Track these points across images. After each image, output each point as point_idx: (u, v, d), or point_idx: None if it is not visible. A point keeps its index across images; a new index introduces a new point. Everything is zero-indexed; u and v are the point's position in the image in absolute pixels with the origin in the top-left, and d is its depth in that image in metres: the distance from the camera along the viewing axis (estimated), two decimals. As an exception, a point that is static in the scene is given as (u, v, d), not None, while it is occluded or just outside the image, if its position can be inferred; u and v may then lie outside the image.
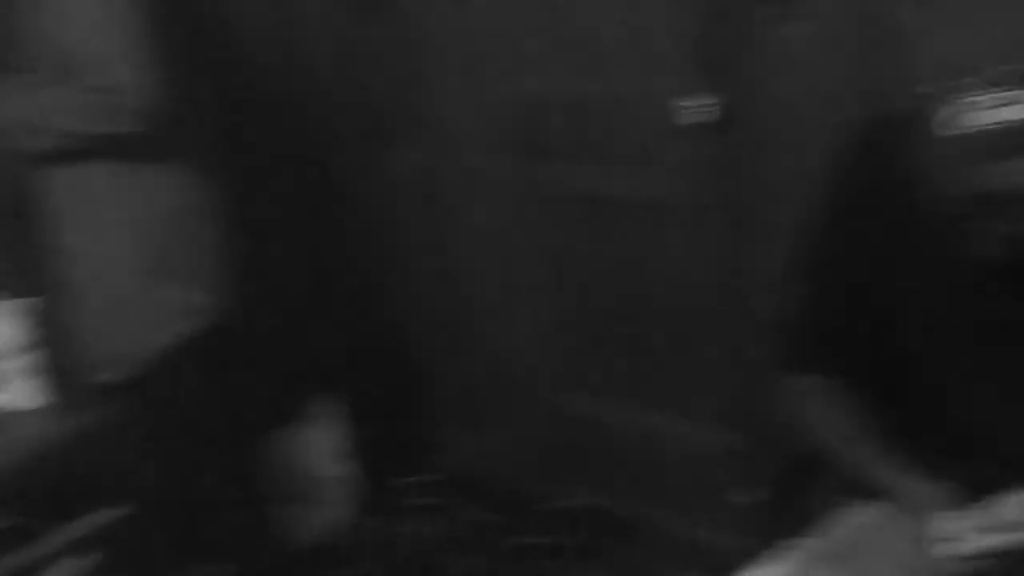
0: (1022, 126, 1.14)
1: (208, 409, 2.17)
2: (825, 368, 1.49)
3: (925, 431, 1.43)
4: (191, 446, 2.15)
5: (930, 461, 1.38)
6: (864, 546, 1.43)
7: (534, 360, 2.69)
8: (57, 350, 2.15)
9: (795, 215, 1.99)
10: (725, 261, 2.21)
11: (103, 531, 2.10)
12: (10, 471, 2.03)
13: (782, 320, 1.56)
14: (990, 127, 1.15)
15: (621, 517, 2.58)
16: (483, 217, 2.64)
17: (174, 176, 2.07)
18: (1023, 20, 1.18)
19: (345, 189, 2.81)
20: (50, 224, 2.05)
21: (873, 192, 1.42)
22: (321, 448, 2.75)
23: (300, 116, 2.70)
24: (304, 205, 2.74)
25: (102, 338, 2.08)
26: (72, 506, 2.10)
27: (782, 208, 2.05)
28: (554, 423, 2.70)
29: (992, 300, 1.36)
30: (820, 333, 1.50)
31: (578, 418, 2.65)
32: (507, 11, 2.40)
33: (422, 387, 2.93)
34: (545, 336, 2.65)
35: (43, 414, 2.15)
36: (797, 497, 1.57)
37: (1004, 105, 1.14)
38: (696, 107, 2.08)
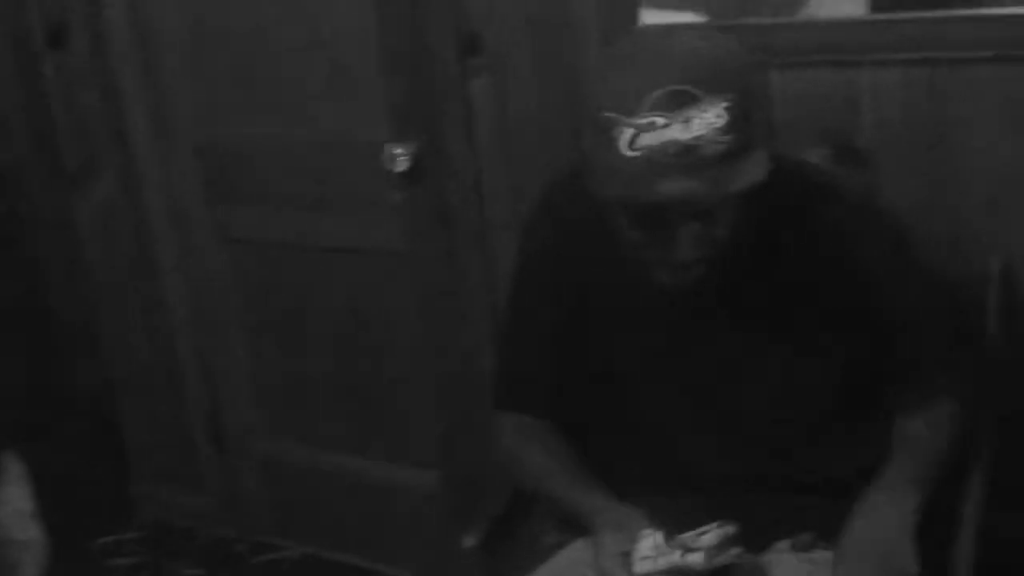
0: (663, 147, 1.22)
1: None
2: (530, 408, 1.58)
3: (625, 463, 1.52)
4: None
5: (630, 491, 1.45)
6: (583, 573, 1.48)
7: (242, 409, 2.63)
8: None
9: (493, 263, 2.11)
10: (430, 306, 2.25)
11: None
12: None
13: (494, 364, 1.64)
14: (644, 151, 1.23)
15: (335, 566, 2.57)
16: (178, 262, 2.57)
17: None
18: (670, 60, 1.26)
19: (27, 233, 2.65)
20: None
21: (557, 244, 1.52)
22: (6, 510, 2.57)
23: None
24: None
25: None
26: None
27: (483, 256, 2.13)
28: (265, 473, 2.65)
29: (675, 327, 1.46)
30: (524, 376, 1.58)
31: (290, 467, 2.61)
32: (203, 55, 2.36)
33: (118, 440, 2.80)
34: (252, 384, 2.60)
35: None
36: (512, 536, 1.63)
37: (649, 130, 1.22)
38: (398, 155, 2.11)
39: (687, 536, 1.33)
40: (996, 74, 1.58)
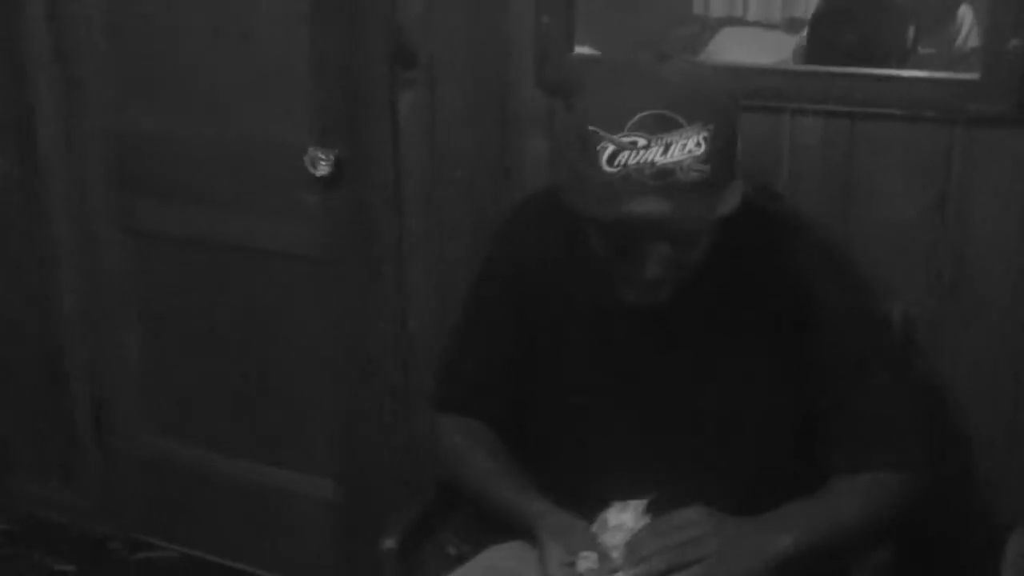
0: (641, 167, 1.26)
1: None
2: (476, 412, 1.61)
3: (566, 475, 1.54)
4: None
5: (562, 491, 1.48)
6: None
7: (129, 406, 2.58)
8: None
9: (407, 276, 2.13)
10: (339, 314, 2.25)
11: None
12: None
13: (437, 368, 1.68)
14: (622, 169, 1.27)
15: (213, 569, 2.54)
16: (75, 250, 2.51)
17: None
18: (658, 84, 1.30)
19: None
20: None
21: (523, 255, 1.56)
22: None
23: None
24: None
25: None
26: None
27: (398, 268, 2.15)
28: (148, 472, 2.60)
29: (630, 344, 1.50)
30: (472, 380, 1.62)
31: (176, 467, 2.57)
32: (125, 40, 2.32)
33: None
34: (142, 381, 2.55)
35: None
36: (428, 540, 1.65)
37: (630, 149, 1.26)
38: (320, 159, 2.12)
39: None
40: (904, 132, 1.69)
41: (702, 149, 1.26)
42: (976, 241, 1.69)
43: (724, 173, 1.30)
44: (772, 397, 1.48)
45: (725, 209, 1.31)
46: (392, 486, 2.27)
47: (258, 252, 2.31)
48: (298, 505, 2.44)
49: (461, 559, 1.63)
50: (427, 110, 2.04)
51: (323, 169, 2.13)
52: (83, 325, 2.56)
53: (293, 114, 2.17)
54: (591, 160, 1.29)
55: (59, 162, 2.46)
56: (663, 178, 1.26)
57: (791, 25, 1.75)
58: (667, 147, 1.26)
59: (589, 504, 1.42)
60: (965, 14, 1.65)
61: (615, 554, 1.35)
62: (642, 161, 1.26)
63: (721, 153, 1.28)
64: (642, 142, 1.26)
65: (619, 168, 1.27)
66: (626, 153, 1.26)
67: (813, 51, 1.73)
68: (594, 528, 1.38)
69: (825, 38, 1.72)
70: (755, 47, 1.78)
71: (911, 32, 1.68)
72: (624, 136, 1.27)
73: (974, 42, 1.63)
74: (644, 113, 1.26)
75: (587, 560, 1.34)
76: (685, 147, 1.26)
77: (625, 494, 1.41)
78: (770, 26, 1.77)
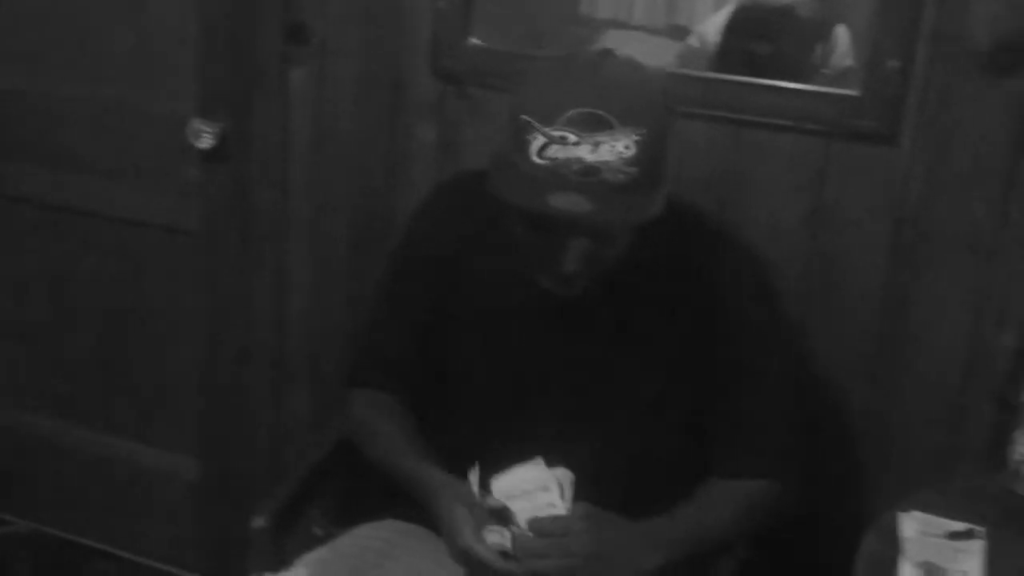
0: (569, 163, 1.28)
1: None
2: (387, 386, 1.62)
3: (467, 452, 1.53)
4: None
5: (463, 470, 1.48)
6: (370, 560, 1.52)
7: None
8: None
9: (288, 256, 2.10)
10: (213, 292, 2.22)
11: None
12: None
13: (356, 342, 1.69)
14: (549, 162, 1.29)
15: (65, 545, 2.48)
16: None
17: None
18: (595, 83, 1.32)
19: None
20: None
21: (441, 237, 1.57)
22: None
23: None
24: None
25: None
26: None
27: (278, 248, 2.12)
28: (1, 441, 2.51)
29: (540, 332, 1.52)
30: (384, 355, 1.63)
31: (31, 440, 2.49)
32: None
33: None
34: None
35: None
36: (295, 523, 1.64)
37: (560, 143, 1.28)
38: (203, 132, 2.08)
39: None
40: (786, 142, 1.74)
41: (631, 152, 1.28)
42: (846, 252, 1.76)
43: (651, 177, 1.32)
44: (668, 393, 1.51)
45: (648, 214, 1.33)
46: (262, 467, 2.24)
47: (133, 223, 2.25)
48: (160, 483, 2.39)
49: (327, 540, 1.62)
50: (318, 89, 2.02)
51: (206, 142, 2.09)
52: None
53: (178, 83, 2.11)
54: (521, 149, 1.30)
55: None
56: (589, 176, 1.28)
57: (674, 32, 1.80)
58: (596, 146, 1.27)
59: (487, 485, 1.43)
60: (841, 34, 1.72)
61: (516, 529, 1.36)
62: (570, 157, 1.27)
63: (650, 158, 1.30)
64: (572, 138, 1.28)
65: (547, 161, 1.28)
66: (555, 147, 1.28)
67: (722, 58, 1.77)
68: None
69: (737, 47, 1.77)
70: (639, 51, 1.81)
71: (819, 48, 1.74)
72: (555, 130, 1.28)
73: (849, 61, 1.70)
74: (578, 110, 1.28)
75: (495, 534, 1.35)
76: (614, 148, 1.28)
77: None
78: (654, 31, 1.81)
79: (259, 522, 1.56)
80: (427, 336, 1.59)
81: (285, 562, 1.53)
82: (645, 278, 1.48)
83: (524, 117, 1.30)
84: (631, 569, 1.39)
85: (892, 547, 1.46)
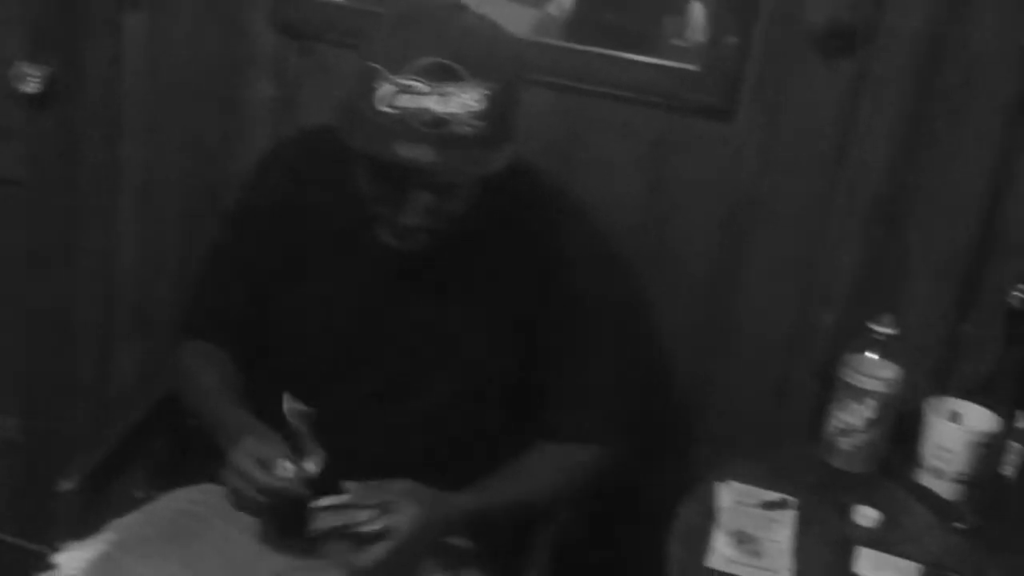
0: (416, 113, 1.26)
1: None
2: (214, 337, 1.59)
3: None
4: None
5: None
6: (184, 524, 1.48)
7: None
8: None
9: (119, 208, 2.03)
10: (39, 243, 2.13)
11: None
12: None
13: (188, 292, 1.66)
14: (398, 111, 1.27)
15: None
16: None
17: None
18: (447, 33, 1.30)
19: None
20: None
21: (279, 190, 1.53)
22: None
23: None
24: None
25: None
26: None
27: (108, 198, 2.05)
28: None
29: (376, 287, 1.49)
30: (214, 307, 1.60)
31: None
32: None
33: None
34: None
35: None
36: (107, 486, 1.58)
37: (408, 92, 1.26)
38: (29, 75, 1.98)
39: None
40: (627, 113, 1.74)
41: (480, 106, 1.27)
42: (681, 224, 1.78)
43: (499, 133, 1.31)
44: (495, 356, 1.50)
45: (492, 168, 1.33)
46: (87, 427, 2.16)
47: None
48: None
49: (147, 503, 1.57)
50: (153, 36, 1.94)
51: (32, 86, 1.99)
52: None
53: (2, 23, 2.00)
54: (368, 97, 1.28)
55: None
56: (436, 127, 1.26)
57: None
58: (445, 97, 1.26)
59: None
60: (696, 9, 1.72)
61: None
62: (419, 107, 1.26)
63: (499, 113, 1.29)
64: (421, 88, 1.26)
65: (395, 110, 1.26)
66: (404, 96, 1.26)
67: (575, 27, 1.76)
68: None
69: (589, 16, 1.77)
70: (498, 15, 1.80)
71: (667, 22, 1.75)
72: (403, 78, 1.26)
73: (701, 36, 1.70)
74: (428, 59, 1.26)
75: (284, 469, 1.33)
76: (463, 101, 1.26)
77: (351, 434, 1.44)
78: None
79: (66, 485, 1.49)
80: (259, 291, 1.56)
81: (98, 528, 1.47)
82: (483, 240, 1.47)
83: (372, 64, 1.28)
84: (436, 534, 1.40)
85: (707, 517, 1.49)
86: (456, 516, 1.42)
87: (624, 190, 1.78)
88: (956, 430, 1.59)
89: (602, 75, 1.73)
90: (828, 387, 1.64)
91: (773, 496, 1.55)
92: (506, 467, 1.49)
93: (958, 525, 1.53)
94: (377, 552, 1.31)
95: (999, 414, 1.57)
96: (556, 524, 1.56)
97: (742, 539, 1.46)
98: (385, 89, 1.27)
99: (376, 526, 1.32)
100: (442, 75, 1.26)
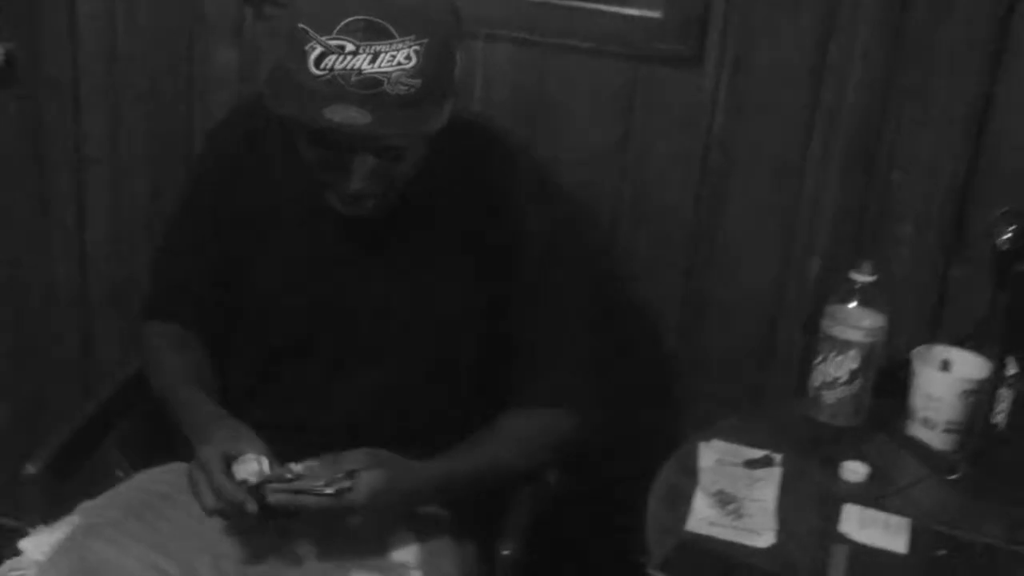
0: (347, 74, 1.22)
1: None
2: (178, 318, 1.56)
3: (252, 381, 1.52)
4: None
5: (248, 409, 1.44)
6: (153, 505, 1.45)
7: None
8: None
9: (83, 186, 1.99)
10: (8, 220, 2.09)
11: None
12: None
13: (149, 272, 1.63)
14: (327, 73, 1.22)
15: None
16: None
17: None
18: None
19: None
20: None
21: (233, 160, 1.49)
22: None
23: None
24: None
25: None
26: None
27: (71, 176, 2.01)
28: None
29: (329, 253, 1.46)
30: (176, 286, 1.56)
31: None
32: None
33: None
34: None
35: None
36: (78, 467, 1.55)
37: (337, 53, 1.22)
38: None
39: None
40: (592, 65, 1.69)
41: (412, 63, 1.23)
42: (656, 177, 1.73)
43: (435, 90, 1.26)
44: (461, 319, 1.47)
45: (432, 127, 1.28)
46: (65, 407, 2.14)
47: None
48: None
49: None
50: (110, 8, 1.89)
51: (-9, 58, 1.95)
52: None
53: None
54: (298, 60, 1.23)
55: None
56: (369, 88, 1.22)
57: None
58: (376, 56, 1.21)
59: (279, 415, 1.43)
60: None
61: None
62: (348, 67, 1.21)
63: (434, 69, 1.25)
64: (350, 47, 1.21)
65: (325, 72, 1.22)
66: (333, 57, 1.22)
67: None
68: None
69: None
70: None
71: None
72: (332, 39, 1.22)
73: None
74: (355, 17, 1.21)
75: (251, 463, 1.30)
76: (395, 59, 1.22)
77: (321, 406, 1.43)
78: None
79: (30, 469, 1.46)
80: (219, 263, 1.52)
81: (67, 510, 1.45)
82: (439, 198, 1.43)
83: (301, 26, 1.24)
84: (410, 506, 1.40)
85: (690, 476, 1.45)
86: (422, 483, 1.39)
87: (596, 144, 1.73)
88: (946, 378, 1.55)
89: (563, 26, 1.68)
90: (815, 340, 1.59)
91: (757, 454, 1.51)
92: (474, 437, 1.45)
93: (949, 477, 1.49)
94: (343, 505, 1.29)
95: (990, 359, 1.52)
96: (532, 490, 1.52)
97: (724, 499, 1.42)
98: (315, 51, 1.22)
99: (333, 488, 1.29)
100: (371, 33, 1.21)
